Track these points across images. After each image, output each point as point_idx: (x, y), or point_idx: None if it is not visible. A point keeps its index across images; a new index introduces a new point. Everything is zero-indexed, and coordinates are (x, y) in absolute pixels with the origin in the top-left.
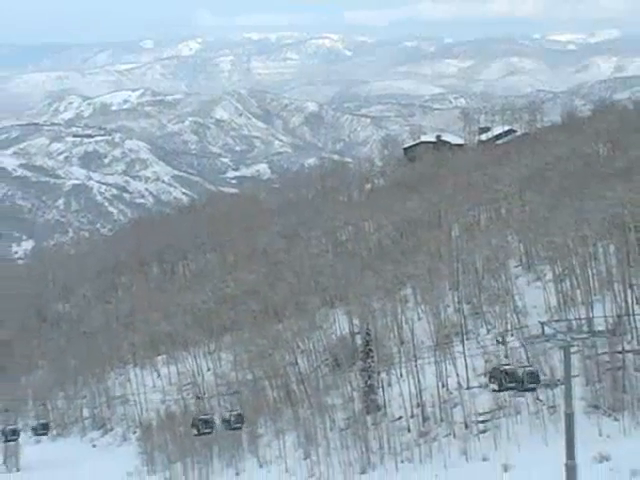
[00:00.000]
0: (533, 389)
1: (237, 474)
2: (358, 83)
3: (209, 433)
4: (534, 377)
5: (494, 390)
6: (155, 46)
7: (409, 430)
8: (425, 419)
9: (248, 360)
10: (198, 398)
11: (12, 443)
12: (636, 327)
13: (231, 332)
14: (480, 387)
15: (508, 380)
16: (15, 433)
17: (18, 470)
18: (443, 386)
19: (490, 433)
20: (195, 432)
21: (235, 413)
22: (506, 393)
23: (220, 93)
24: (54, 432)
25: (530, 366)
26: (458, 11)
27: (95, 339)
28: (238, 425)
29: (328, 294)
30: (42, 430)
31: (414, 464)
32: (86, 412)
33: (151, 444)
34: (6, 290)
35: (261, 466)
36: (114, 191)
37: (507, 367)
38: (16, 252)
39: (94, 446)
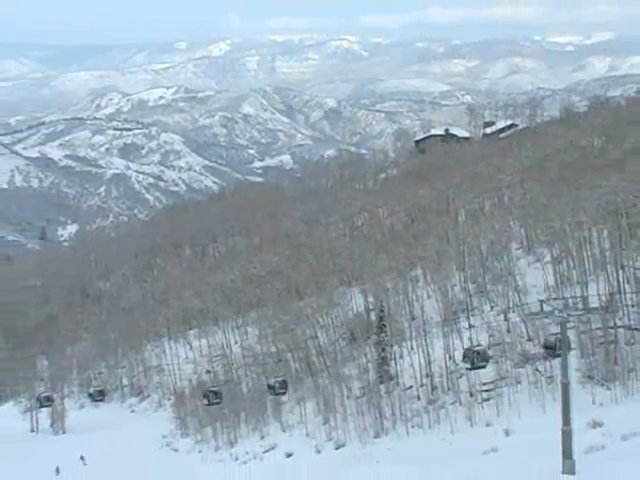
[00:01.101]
0: (557, 355)
1: (262, 437)
2: (373, 81)
3: (218, 403)
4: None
5: (467, 369)
6: (188, 47)
7: (419, 398)
8: (433, 388)
9: (272, 334)
10: (208, 372)
11: (59, 408)
12: (627, 305)
13: (257, 308)
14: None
15: (479, 359)
16: (49, 399)
17: (64, 433)
18: (450, 358)
19: (493, 401)
20: (206, 402)
21: (280, 379)
22: (508, 363)
23: (247, 90)
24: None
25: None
26: (465, 15)
27: (133, 314)
28: (282, 391)
29: (345, 274)
30: (99, 396)
31: (423, 429)
32: (125, 380)
33: (184, 410)
34: (53, 270)
35: (284, 430)
36: (150, 180)
37: (479, 348)
38: (62, 235)
39: (132, 411)
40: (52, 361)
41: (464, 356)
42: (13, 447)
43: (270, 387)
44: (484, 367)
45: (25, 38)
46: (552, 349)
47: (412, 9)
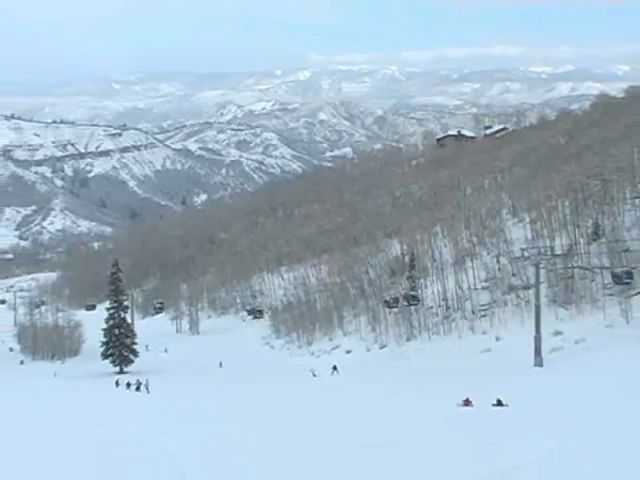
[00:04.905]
0: (628, 283)
1: (330, 340)
2: (409, 97)
3: (260, 317)
4: (629, 275)
5: (406, 305)
6: (282, 74)
7: (437, 315)
8: (447, 308)
9: (337, 270)
10: (254, 297)
11: (194, 317)
12: (580, 252)
13: (327, 252)
14: (482, 289)
15: (413, 300)
16: (161, 308)
17: (198, 333)
18: (459, 288)
19: (488, 317)
20: (252, 317)
21: (393, 297)
22: (499, 291)
23: (322, 103)
24: (219, 311)
25: (627, 267)
26: (472, 52)
27: (243, 255)
28: (628, 280)
29: (388, 229)
30: (258, 313)
31: (440, 336)
32: (238, 300)
33: (277, 320)
34: (190, 225)
35: (345, 335)
36: (256, 164)
37: (412, 292)
38: (196, 201)
39: (243, 321)
40: (190, 286)
41: (404, 297)
42: (166, 341)
43: (385, 302)
44: (416, 305)
45: (174, 67)
46: (618, 277)
47: (436, 47)
